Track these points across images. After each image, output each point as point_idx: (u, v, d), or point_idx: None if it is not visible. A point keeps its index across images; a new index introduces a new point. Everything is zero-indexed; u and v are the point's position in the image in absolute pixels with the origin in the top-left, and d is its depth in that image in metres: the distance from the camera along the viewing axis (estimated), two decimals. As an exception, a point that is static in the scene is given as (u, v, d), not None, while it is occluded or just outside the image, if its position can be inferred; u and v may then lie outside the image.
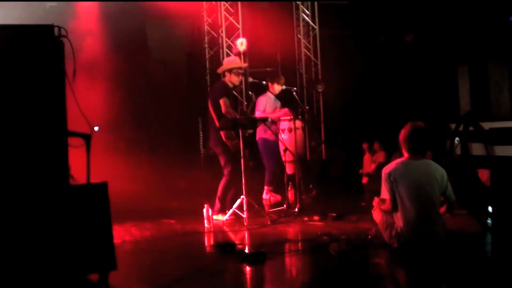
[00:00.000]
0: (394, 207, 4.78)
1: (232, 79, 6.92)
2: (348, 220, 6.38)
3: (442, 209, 4.85)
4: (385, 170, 4.86)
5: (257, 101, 8.15)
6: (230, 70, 6.91)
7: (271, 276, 4.46)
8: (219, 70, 7.10)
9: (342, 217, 6.50)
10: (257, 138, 8.16)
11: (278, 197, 7.93)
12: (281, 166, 7.98)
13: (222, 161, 6.78)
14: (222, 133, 6.66)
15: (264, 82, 7.90)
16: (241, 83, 10.39)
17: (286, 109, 7.99)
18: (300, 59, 11.43)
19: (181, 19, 11.76)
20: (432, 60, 10.63)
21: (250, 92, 7.82)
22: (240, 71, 6.97)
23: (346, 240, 5.01)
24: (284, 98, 9.06)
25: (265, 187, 8.09)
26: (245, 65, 7.62)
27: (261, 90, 8.18)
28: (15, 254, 3.70)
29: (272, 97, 8.11)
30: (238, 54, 10.19)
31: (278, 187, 8.06)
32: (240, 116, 6.90)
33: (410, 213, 4.68)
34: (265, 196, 8.05)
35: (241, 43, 10.21)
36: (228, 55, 10.30)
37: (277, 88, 8.01)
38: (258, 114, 7.92)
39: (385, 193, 4.84)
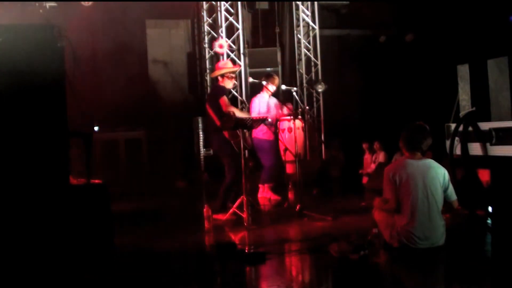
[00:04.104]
0: (398, 207, 4.77)
1: (226, 84, 6.92)
2: (348, 220, 6.38)
3: (443, 209, 4.84)
4: (388, 169, 4.85)
5: (250, 103, 8.14)
6: (222, 75, 6.91)
7: (271, 276, 4.46)
8: (212, 75, 7.10)
9: (342, 217, 6.49)
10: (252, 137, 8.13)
11: (278, 197, 7.91)
12: (281, 166, 7.97)
13: (226, 163, 6.76)
14: (225, 132, 6.65)
15: (264, 82, 7.88)
16: (240, 83, 10.44)
17: (288, 107, 7.93)
18: (300, 59, 11.43)
19: (181, 19, 11.77)
20: (432, 60, 10.63)
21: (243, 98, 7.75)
22: (232, 75, 6.96)
23: (346, 240, 5.00)
24: (284, 98, 9.06)
25: (260, 186, 8.06)
26: (237, 68, 7.57)
27: (260, 90, 8.17)
28: (15, 254, 3.70)
29: (266, 97, 8.06)
30: (229, 49, 10.20)
31: (278, 187, 8.06)
32: (240, 114, 6.88)
33: (413, 212, 4.67)
34: (260, 195, 8.01)
35: (220, 46, 10.20)
36: (228, 55, 10.31)
37: (271, 88, 7.98)
38: (254, 115, 7.89)
39: (388, 193, 4.83)
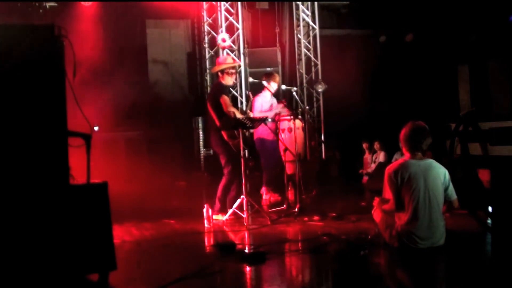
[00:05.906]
0: (398, 207, 4.76)
1: (226, 80, 6.86)
2: (348, 220, 6.37)
3: (443, 208, 4.84)
4: (389, 169, 4.85)
5: (253, 102, 8.13)
6: (222, 71, 6.88)
7: (271, 276, 4.46)
8: (213, 71, 7.09)
9: (342, 217, 6.49)
10: (254, 138, 8.13)
11: (278, 197, 7.91)
12: (281, 166, 7.97)
13: (222, 161, 6.77)
14: (223, 133, 6.65)
15: (264, 82, 7.87)
16: (240, 82, 10.44)
17: (282, 103, 7.91)
18: (300, 59, 11.44)
19: (181, 19, 11.79)
20: (432, 60, 10.64)
21: (248, 92, 7.78)
22: (232, 70, 6.89)
23: (346, 240, 5.00)
24: (284, 98, 9.06)
25: (264, 187, 8.07)
26: (237, 63, 7.53)
27: (261, 90, 8.16)
28: (15, 254, 3.70)
29: (268, 96, 8.04)
30: (230, 49, 10.22)
31: (278, 187, 8.05)
32: (240, 115, 6.88)
33: (414, 213, 4.67)
34: (265, 196, 8.02)
35: (223, 40, 10.20)
36: (228, 55, 10.31)
37: (273, 86, 7.95)
38: (256, 114, 7.88)
39: (388, 193, 4.82)
